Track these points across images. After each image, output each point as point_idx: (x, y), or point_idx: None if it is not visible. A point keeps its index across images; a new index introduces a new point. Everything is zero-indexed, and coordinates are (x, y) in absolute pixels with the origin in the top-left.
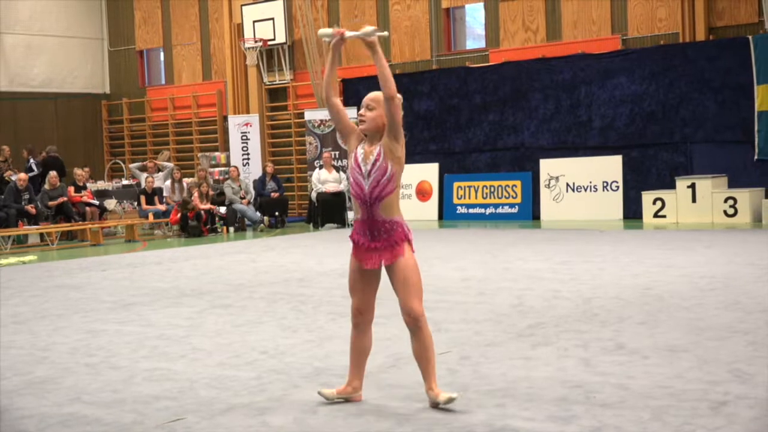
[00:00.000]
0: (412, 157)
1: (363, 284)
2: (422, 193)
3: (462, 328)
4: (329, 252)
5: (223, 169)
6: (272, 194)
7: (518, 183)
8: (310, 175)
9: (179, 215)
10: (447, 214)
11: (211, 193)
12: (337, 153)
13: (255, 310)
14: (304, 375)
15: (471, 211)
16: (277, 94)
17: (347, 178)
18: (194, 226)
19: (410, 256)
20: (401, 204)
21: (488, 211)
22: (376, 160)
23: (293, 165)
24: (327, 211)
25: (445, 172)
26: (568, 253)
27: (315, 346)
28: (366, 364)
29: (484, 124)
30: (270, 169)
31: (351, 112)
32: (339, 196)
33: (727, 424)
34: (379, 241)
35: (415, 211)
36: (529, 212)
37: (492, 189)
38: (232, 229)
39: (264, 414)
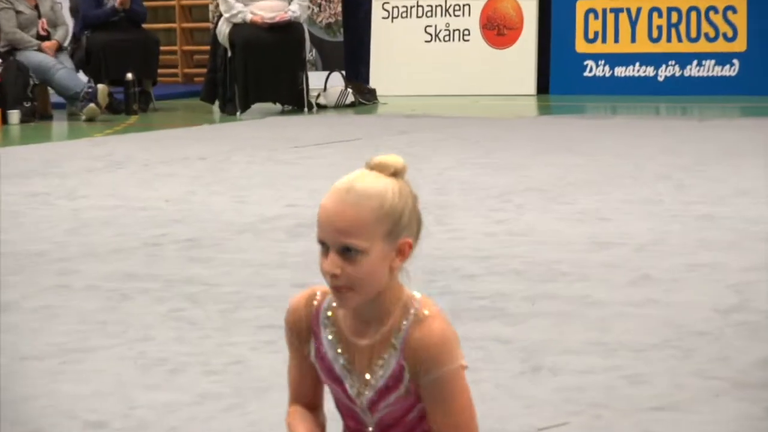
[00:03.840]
0: None
1: None
2: (499, 28)
3: (601, 369)
4: (262, 175)
5: None
6: (115, 22)
7: (739, 1)
8: None
9: None
10: (560, 78)
11: None
12: None
13: (74, 316)
14: None
15: (619, 71)
16: None
17: None
18: None
19: None
20: None
21: (664, 71)
22: (387, 389)
23: None
24: (258, 70)
25: None
26: None
27: (224, 410)
28: None
29: None
30: None
31: None
32: (288, 32)
33: None
34: None
35: (480, 71)
36: (766, 75)
37: (673, 17)
38: (15, 114)
39: None
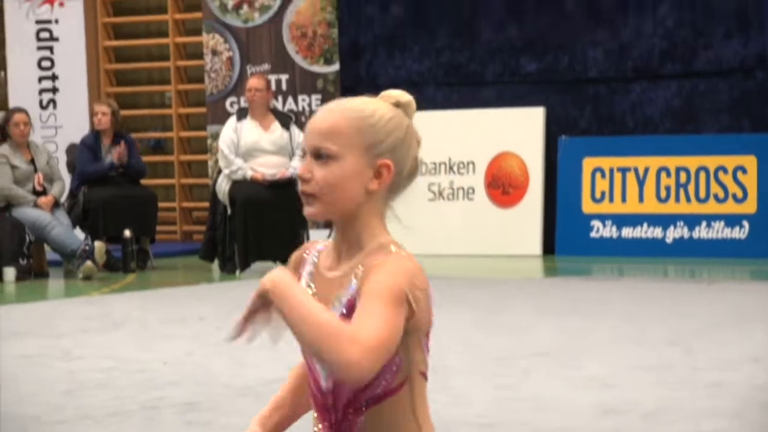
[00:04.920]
0: (480, 90)
1: None
2: (504, 187)
3: None
4: (261, 336)
5: None
6: (113, 178)
7: (749, 162)
8: (214, 137)
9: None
10: (566, 238)
11: None
12: (283, 78)
13: None
14: None
15: (626, 232)
16: None
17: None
18: None
19: None
20: None
21: (672, 233)
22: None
23: (170, 107)
24: (259, 228)
25: (562, 132)
26: None
27: None
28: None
29: (664, 5)
30: (106, 119)
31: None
32: (289, 189)
33: None
34: None
35: (484, 231)
36: None
37: (681, 177)
38: (11, 271)
39: None
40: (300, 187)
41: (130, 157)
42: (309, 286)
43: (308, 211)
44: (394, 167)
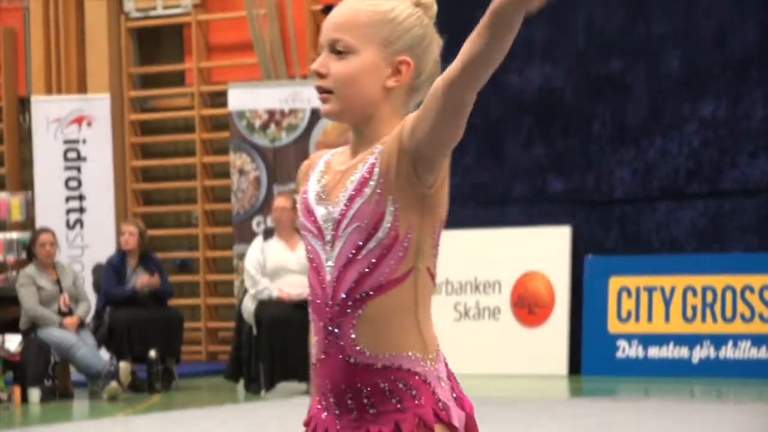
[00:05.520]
0: (506, 209)
1: None
2: (530, 307)
3: None
4: None
5: (17, 236)
6: (137, 295)
7: None
8: (240, 257)
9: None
10: (592, 358)
11: None
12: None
13: None
14: None
15: (652, 352)
16: (157, 44)
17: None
18: None
19: None
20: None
21: (698, 353)
22: (353, 196)
23: (197, 227)
24: (284, 348)
25: (588, 251)
26: None
27: None
28: None
29: (690, 125)
30: (133, 239)
31: None
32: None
33: None
34: (357, 419)
35: (510, 350)
36: None
37: (708, 296)
38: (36, 392)
39: None
40: (315, 82)
41: (159, 285)
42: (317, 182)
43: (325, 108)
44: (414, 66)
